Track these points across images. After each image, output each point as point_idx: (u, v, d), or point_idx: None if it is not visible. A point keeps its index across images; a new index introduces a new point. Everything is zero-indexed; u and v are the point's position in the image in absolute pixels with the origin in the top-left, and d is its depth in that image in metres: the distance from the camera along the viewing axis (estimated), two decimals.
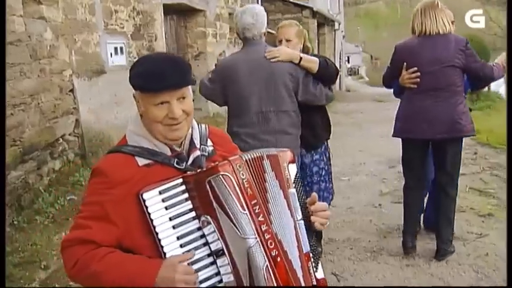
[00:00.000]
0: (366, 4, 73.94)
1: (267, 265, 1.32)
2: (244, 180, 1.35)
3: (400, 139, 3.52)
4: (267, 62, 2.88)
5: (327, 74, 2.98)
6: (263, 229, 1.34)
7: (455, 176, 3.41)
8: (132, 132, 1.49)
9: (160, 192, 1.35)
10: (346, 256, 3.59)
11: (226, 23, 10.29)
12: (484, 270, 3.30)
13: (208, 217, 1.34)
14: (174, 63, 1.41)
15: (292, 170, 1.47)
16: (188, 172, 1.41)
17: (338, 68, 3.25)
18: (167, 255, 1.32)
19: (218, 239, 1.33)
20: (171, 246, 1.33)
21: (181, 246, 1.34)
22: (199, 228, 1.36)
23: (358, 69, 49.19)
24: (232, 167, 1.34)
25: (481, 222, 4.15)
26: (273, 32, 3.40)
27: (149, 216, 1.33)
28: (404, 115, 3.41)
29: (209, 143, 1.56)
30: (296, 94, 2.94)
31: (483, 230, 3.95)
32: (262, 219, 1.35)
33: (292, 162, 1.48)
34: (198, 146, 1.51)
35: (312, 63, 2.92)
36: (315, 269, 1.45)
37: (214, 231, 1.34)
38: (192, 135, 1.51)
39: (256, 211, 1.35)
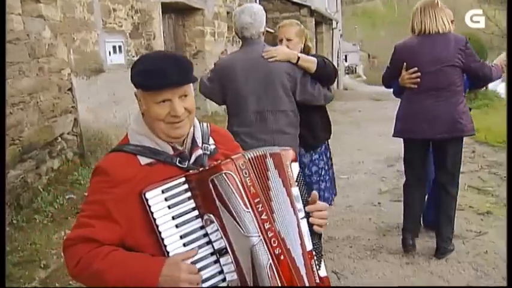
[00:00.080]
0: (363, 3, 73.91)
1: (270, 263, 1.32)
2: (247, 179, 1.35)
3: (399, 138, 3.53)
4: (264, 62, 2.87)
5: (325, 74, 2.97)
6: (266, 227, 1.35)
7: (455, 175, 3.42)
8: (134, 131, 1.48)
9: (163, 191, 1.35)
10: (346, 254, 3.60)
11: (225, 21, 10.29)
12: (484, 268, 3.31)
13: (211, 216, 1.34)
14: (176, 61, 1.40)
15: (295, 168, 1.47)
16: (190, 171, 1.41)
17: (336, 67, 3.24)
18: (170, 254, 1.32)
19: (221, 237, 1.33)
20: (174, 245, 1.33)
21: (184, 245, 1.34)
22: (202, 227, 1.36)
23: (355, 68, 49.19)
24: (235, 166, 1.34)
25: (480, 220, 4.17)
26: (272, 31, 3.40)
27: (152, 215, 1.32)
28: (404, 115, 3.41)
29: (211, 141, 1.56)
30: (294, 94, 2.93)
31: (482, 228, 3.97)
32: (266, 217, 1.35)
33: (295, 160, 1.48)
34: (200, 145, 1.51)
35: (310, 63, 2.91)
36: (317, 267, 1.45)
37: (218, 229, 1.33)
38: (194, 133, 1.51)
39: (260, 209, 1.35)
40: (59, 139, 4.94)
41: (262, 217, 1.35)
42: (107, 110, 5.89)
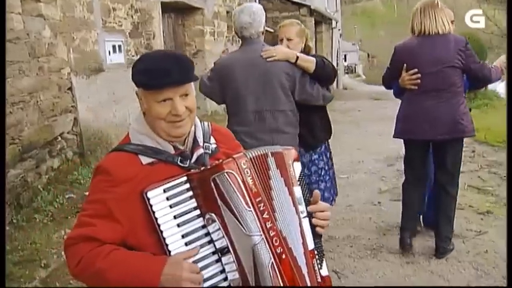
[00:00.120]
0: (362, 2, 73.91)
1: (272, 262, 1.32)
2: (248, 178, 1.35)
3: (399, 138, 3.53)
4: (263, 61, 2.87)
5: (324, 74, 2.97)
6: (268, 226, 1.34)
7: (455, 175, 3.42)
8: (135, 130, 1.48)
9: (164, 191, 1.35)
10: (347, 254, 3.60)
11: (224, 21, 10.28)
12: (484, 267, 3.32)
13: (213, 215, 1.34)
14: (177, 60, 1.40)
15: (297, 167, 1.47)
16: (192, 170, 1.40)
17: (336, 67, 3.24)
18: (172, 254, 1.32)
19: (223, 236, 1.33)
20: (175, 244, 1.33)
21: (186, 244, 1.34)
22: (203, 226, 1.36)
23: (355, 68, 49.19)
24: (237, 165, 1.34)
25: (480, 220, 4.17)
26: (272, 30, 3.40)
27: (154, 215, 1.32)
28: (405, 116, 3.41)
29: (212, 140, 1.56)
30: (293, 93, 2.93)
31: (482, 228, 3.97)
32: (267, 216, 1.35)
33: (297, 160, 1.48)
34: (201, 144, 1.51)
35: (309, 62, 2.90)
36: (319, 266, 1.45)
37: (219, 228, 1.33)
38: (195, 133, 1.51)
39: (261, 208, 1.35)
40: (59, 138, 4.93)
41: (263, 216, 1.34)
42: (107, 110, 5.89)
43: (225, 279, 1.35)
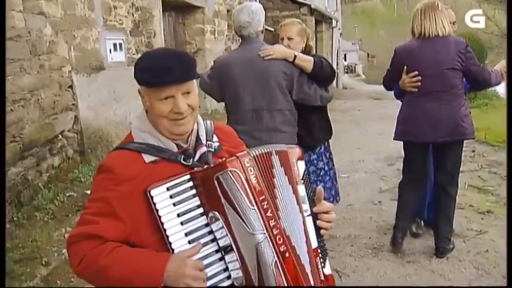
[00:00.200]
0: (362, 2, 73.83)
1: (275, 261, 1.32)
2: (252, 176, 1.34)
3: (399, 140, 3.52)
4: (260, 60, 2.87)
5: (321, 74, 2.96)
6: (271, 225, 1.34)
7: (455, 176, 3.42)
8: (138, 128, 1.48)
9: (168, 189, 1.35)
10: (347, 253, 3.61)
11: (225, 20, 10.28)
12: (485, 266, 3.32)
13: (216, 213, 1.33)
14: (179, 58, 1.40)
15: (301, 166, 1.47)
16: (195, 168, 1.40)
17: (334, 68, 3.22)
18: (175, 252, 1.32)
19: (226, 234, 1.33)
20: (179, 242, 1.33)
21: (189, 242, 1.33)
22: (207, 225, 1.35)
23: (355, 67, 49.18)
24: (240, 163, 1.34)
25: (481, 219, 4.18)
26: (272, 29, 3.40)
27: (157, 213, 1.32)
28: (405, 118, 3.40)
29: (215, 138, 1.56)
30: (290, 93, 2.93)
31: (483, 227, 3.98)
32: (271, 214, 1.35)
33: (301, 158, 1.48)
34: (204, 142, 1.50)
35: (307, 62, 2.90)
36: (322, 264, 1.45)
37: (223, 227, 1.33)
38: (198, 131, 1.51)
39: (265, 207, 1.34)
40: (60, 136, 4.93)
41: (267, 214, 1.34)
42: (107, 108, 5.88)
43: (228, 277, 1.35)
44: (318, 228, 1.47)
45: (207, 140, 1.51)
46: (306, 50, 3.27)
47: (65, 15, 5.05)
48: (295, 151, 1.47)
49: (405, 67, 3.29)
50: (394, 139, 3.51)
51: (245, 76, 2.89)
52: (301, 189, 1.44)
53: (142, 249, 1.34)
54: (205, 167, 1.39)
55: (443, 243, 3.45)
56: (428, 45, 3.19)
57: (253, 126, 2.90)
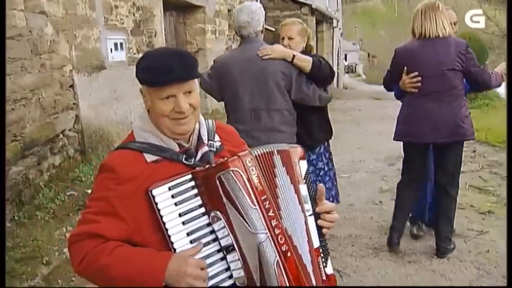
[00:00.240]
0: (363, 2, 73.77)
1: (277, 260, 1.32)
2: (254, 176, 1.34)
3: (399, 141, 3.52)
4: (259, 60, 2.87)
5: (320, 75, 2.95)
6: (273, 224, 1.34)
7: (455, 176, 3.42)
8: (139, 128, 1.48)
9: (169, 188, 1.34)
10: (348, 253, 3.61)
11: (225, 19, 10.28)
12: (485, 266, 3.33)
13: (218, 213, 1.33)
14: (181, 57, 1.40)
15: (303, 166, 1.47)
16: (197, 168, 1.40)
17: (333, 68, 3.22)
18: (177, 251, 1.31)
19: (228, 234, 1.33)
20: (181, 242, 1.33)
21: (191, 242, 1.33)
22: (209, 224, 1.35)
23: (355, 67, 49.16)
24: (242, 163, 1.34)
25: (481, 220, 4.18)
26: (272, 29, 3.40)
27: (159, 213, 1.32)
28: (405, 118, 3.40)
29: (217, 138, 1.56)
30: (289, 93, 2.93)
31: (483, 227, 3.98)
32: (273, 214, 1.35)
33: (303, 158, 1.48)
34: (206, 142, 1.50)
35: (305, 62, 2.90)
36: (324, 264, 1.45)
37: (224, 226, 1.33)
38: (199, 130, 1.51)
39: (266, 206, 1.34)
40: (61, 136, 4.93)
41: (269, 214, 1.34)
42: (108, 107, 5.89)
43: (230, 277, 1.35)
44: (319, 228, 1.47)
45: (208, 140, 1.52)
46: (307, 50, 3.27)
47: (66, 14, 5.06)
48: (297, 150, 1.48)
49: (405, 68, 3.29)
50: (394, 139, 3.51)
51: (244, 76, 2.89)
52: (303, 189, 1.44)
53: (143, 248, 1.34)
54: (207, 166, 1.39)
55: (444, 243, 3.45)
56: (429, 45, 3.19)
57: (252, 126, 2.90)
